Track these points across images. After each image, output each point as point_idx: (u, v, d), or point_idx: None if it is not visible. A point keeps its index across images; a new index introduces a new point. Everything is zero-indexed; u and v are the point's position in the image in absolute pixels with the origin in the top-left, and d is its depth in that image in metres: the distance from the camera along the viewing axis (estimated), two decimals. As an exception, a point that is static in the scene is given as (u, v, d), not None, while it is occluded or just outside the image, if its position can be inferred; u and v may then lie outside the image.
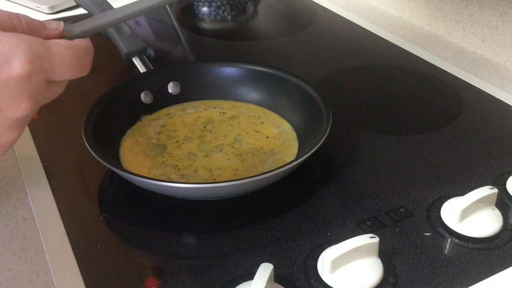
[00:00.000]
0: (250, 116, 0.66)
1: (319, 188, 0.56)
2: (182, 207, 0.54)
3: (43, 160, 0.61)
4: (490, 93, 0.74)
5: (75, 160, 0.61)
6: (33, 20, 0.38)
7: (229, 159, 0.59)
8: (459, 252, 0.48)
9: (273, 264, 0.42)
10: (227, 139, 0.62)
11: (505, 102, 0.71)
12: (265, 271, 0.41)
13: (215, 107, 0.67)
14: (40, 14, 1.01)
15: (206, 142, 0.62)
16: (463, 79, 0.77)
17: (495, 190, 0.50)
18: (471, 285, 0.45)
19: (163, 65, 0.81)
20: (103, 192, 0.57)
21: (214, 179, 0.56)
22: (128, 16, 0.43)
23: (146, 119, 0.65)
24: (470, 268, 0.47)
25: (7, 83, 0.34)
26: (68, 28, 0.40)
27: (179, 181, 0.55)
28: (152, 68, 0.69)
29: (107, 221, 0.53)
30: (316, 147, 0.53)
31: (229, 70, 0.69)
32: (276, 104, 0.66)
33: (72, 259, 0.48)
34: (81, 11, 0.97)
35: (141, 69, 0.68)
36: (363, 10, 1.04)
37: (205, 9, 1.03)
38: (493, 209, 0.51)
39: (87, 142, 0.54)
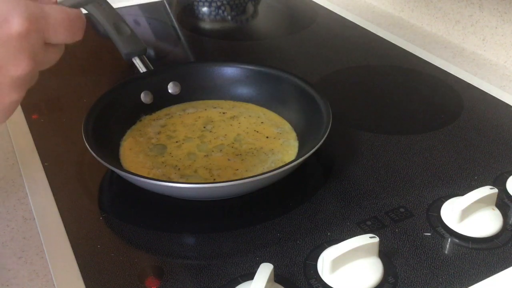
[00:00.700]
0: (250, 116, 0.66)
1: (319, 188, 0.56)
2: (182, 207, 0.54)
3: (43, 160, 0.61)
4: (490, 93, 0.74)
5: (75, 160, 0.61)
6: None
7: (229, 159, 0.59)
8: (459, 252, 0.48)
9: (273, 264, 0.42)
10: (227, 139, 0.62)
11: (505, 102, 0.71)
12: (265, 271, 0.41)
13: (215, 107, 0.67)
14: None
15: (206, 142, 0.62)
16: (463, 79, 0.77)
17: (495, 190, 0.50)
18: (471, 285, 0.45)
19: (163, 65, 0.81)
20: (103, 192, 0.57)
21: (214, 179, 0.56)
22: None
23: (146, 119, 0.65)
24: (470, 268, 0.47)
25: (6, 41, 0.35)
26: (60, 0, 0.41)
27: (179, 181, 0.55)
28: (152, 68, 0.69)
29: (107, 221, 0.53)
30: (316, 147, 0.53)
31: (229, 70, 0.69)
32: (276, 104, 0.66)
33: (72, 259, 0.48)
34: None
35: (141, 69, 0.68)
36: (363, 10, 1.04)
37: (205, 9, 1.03)
38: (493, 209, 0.51)
39: (87, 142, 0.54)
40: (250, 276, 0.44)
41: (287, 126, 0.64)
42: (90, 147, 0.53)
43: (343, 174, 0.58)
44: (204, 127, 0.64)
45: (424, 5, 0.95)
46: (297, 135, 0.62)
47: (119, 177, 0.55)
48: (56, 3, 0.41)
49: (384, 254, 0.47)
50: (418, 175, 0.58)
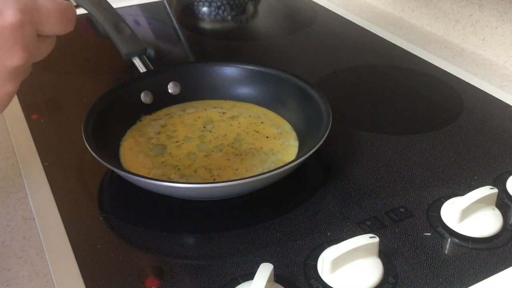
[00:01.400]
0: (250, 116, 0.66)
1: (319, 188, 0.56)
2: (182, 207, 0.54)
3: (43, 160, 0.61)
4: (490, 93, 0.74)
5: (75, 160, 0.61)
6: None
7: (229, 159, 0.59)
8: (459, 252, 0.48)
9: (273, 264, 0.42)
10: (227, 139, 0.62)
11: (505, 102, 0.71)
12: (265, 271, 0.41)
13: (215, 107, 0.67)
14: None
15: (206, 142, 0.62)
16: (463, 79, 0.77)
17: (495, 190, 0.50)
18: (471, 285, 0.45)
19: (163, 65, 0.81)
20: (103, 192, 0.57)
21: (214, 179, 0.56)
22: None
23: (146, 119, 0.65)
24: (470, 268, 0.47)
25: (0, 33, 0.36)
26: None
27: (179, 181, 0.55)
28: (152, 68, 0.69)
29: (107, 221, 0.53)
30: (316, 147, 0.53)
31: (229, 70, 0.69)
32: (276, 104, 0.66)
33: (72, 259, 0.48)
34: (81, 11, 0.97)
35: (141, 69, 0.68)
36: (363, 10, 1.04)
37: (205, 9, 1.03)
38: (493, 209, 0.51)
39: (87, 142, 0.54)
40: (250, 276, 0.44)
41: (287, 126, 0.64)
42: (90, 147, 0.53)
43: (343, 174, 0.58)
44: (204, 127, 0.64)
45: (424, 5, 0.95)
46: (297, 135, 0.62)
47: (119, 177, 0.55)
48: None
49: (384, 254, 0.47)
50: (418, 175, 0.58)
